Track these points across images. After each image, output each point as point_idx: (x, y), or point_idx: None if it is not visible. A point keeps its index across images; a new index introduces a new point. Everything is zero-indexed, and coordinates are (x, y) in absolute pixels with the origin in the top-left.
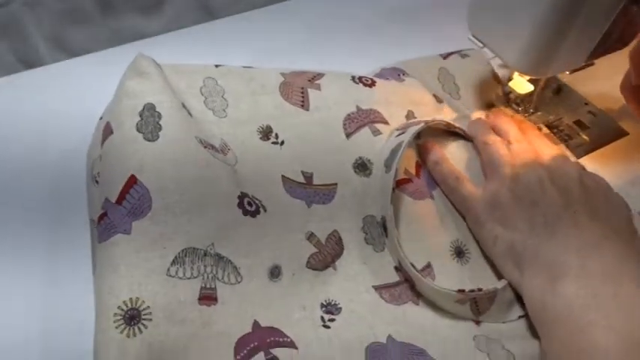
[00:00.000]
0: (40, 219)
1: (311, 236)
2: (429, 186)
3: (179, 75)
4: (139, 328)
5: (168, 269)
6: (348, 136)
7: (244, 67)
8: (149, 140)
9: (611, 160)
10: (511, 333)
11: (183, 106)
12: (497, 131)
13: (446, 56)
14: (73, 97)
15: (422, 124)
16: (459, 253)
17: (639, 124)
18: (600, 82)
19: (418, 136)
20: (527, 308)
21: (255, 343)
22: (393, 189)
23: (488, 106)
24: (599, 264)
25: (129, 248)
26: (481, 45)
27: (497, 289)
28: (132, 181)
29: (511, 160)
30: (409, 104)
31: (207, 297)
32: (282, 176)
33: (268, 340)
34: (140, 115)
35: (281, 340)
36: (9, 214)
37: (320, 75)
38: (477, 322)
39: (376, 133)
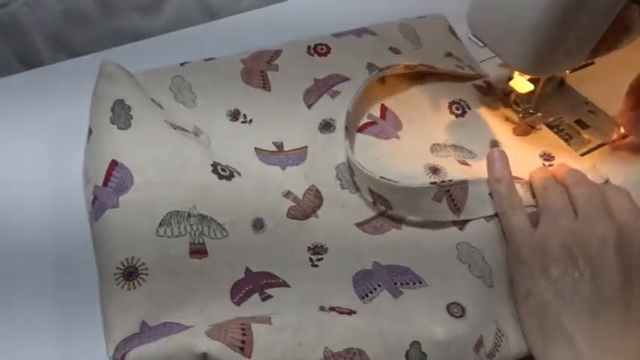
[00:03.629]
0: (41, 217)
1: (288, 194)
2: (394, 127)
3: (148, 78)
4: (138, 282)
5: (157, 230)
6: (309, 106)
7: (206, 59)
8: (122, 129)
9: (612, 160)
10: (491, 242)
11: (153, 101)
12: (561, 180)
13: (405, 18)
14: (73, 97)
15: (376, 71)
16: (435, 170)
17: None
18: (600, 81)
19: (382, 79)
20: None
21: (250, 287)
22: (346, 127)
23: (447, 55)
24: None
25: (119, 218)
26: (481, 45)
27: (467, 179)
28: (113, 164)
29: (573, 210)
30: (367, 58)
31: (197, 251)
32: (255, 148)
33: (262, 283)
34: (112, 111)
35: (273, 281)
36: (9, 210)
37: (277, 53)
38: (461, 227)
39: (335, 94)
